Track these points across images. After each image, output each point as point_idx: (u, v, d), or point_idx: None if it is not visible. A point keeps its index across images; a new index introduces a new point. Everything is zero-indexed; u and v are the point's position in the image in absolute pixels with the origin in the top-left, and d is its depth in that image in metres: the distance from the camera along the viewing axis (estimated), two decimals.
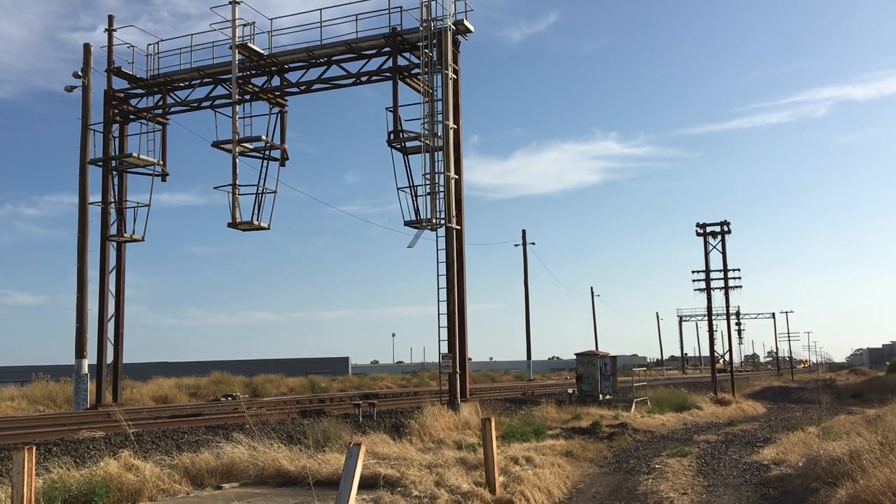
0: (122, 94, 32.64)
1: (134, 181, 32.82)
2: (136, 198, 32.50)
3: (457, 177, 26.19)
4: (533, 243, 71.29)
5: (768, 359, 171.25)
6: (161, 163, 31.96)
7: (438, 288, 25.48)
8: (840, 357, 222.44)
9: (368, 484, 11.93)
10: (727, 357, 54.90)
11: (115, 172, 32.26)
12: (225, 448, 14.69)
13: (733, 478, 15.48)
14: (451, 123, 25.88)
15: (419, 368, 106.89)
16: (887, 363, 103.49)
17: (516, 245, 70.88)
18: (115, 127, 32.63)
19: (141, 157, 31.34)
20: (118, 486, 11.64)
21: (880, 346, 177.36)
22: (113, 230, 32.09)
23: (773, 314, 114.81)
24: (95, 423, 20.61)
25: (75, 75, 32.29)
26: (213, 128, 29.45)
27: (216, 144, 29.19)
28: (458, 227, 26.11)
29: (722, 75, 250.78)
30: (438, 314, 25.34)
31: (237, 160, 29.12)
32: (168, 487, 12.60)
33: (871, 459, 11.28)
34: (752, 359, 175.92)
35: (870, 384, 58.58)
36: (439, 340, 25.37)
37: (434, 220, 25.64)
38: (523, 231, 70.90)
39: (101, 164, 31.99)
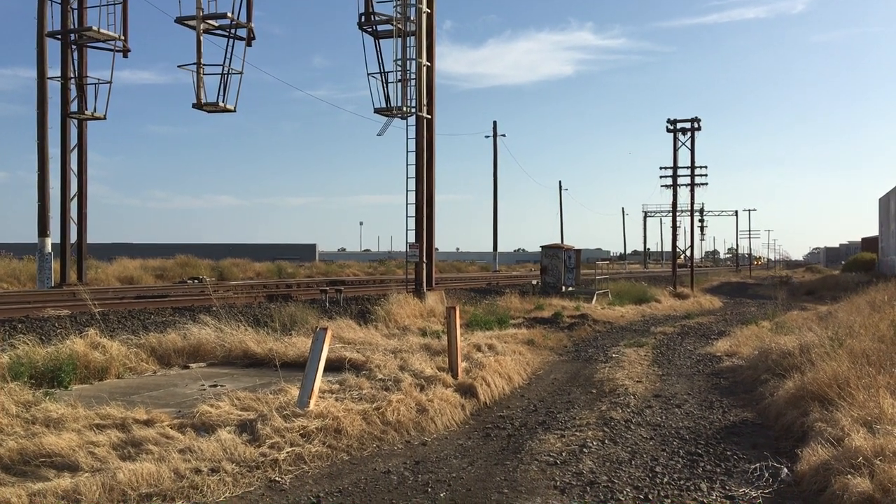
0: None
1: (94, 57, 31.73)
2: (97, 74, 31.49)
3: (428, 64, 25.64)
4: (503, 135, 70.69)
5: (728, 255, 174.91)
6: (122, 38, 30.74)
7: (407, 177, 25.41)
8: (798, 255, 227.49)
9: (334, 367, 12.19)
10: (688, 253, 55.93)
11: (74, 47, 31.03)
12: (192, 329, 14.82)
13: (687, 368, 16.05)
14: (424, 7, 25.10)
15: (386, 257, 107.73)
16: (843, 262, 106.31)
17: (486, 136, 70.20)
18: None
19: (101, 30, 30.11)
20: (85, 364, 11.77)
21: (837, 246, 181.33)
22: (73, 107, 31.16)
23: (736, 212, 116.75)
24: (60, 302, 20.59)
25: None
26: (177, 2, 28.31)
27: (179, 20, 28.05)
28: (429, 117, 25.77)
29: None
30: (407, 204, 25.39)
31: (202, 38, 28.09)
32: (135, 366, 12.77)
33: (819, 353, 11.73)
34: (712, 255, 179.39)
35: (824, 282, 60.08)
36: (407, 230, 25.55)
37: (405, 109, 25.24)
38: (494, 122, 70.04)
39: (59, 37, 30.70)
